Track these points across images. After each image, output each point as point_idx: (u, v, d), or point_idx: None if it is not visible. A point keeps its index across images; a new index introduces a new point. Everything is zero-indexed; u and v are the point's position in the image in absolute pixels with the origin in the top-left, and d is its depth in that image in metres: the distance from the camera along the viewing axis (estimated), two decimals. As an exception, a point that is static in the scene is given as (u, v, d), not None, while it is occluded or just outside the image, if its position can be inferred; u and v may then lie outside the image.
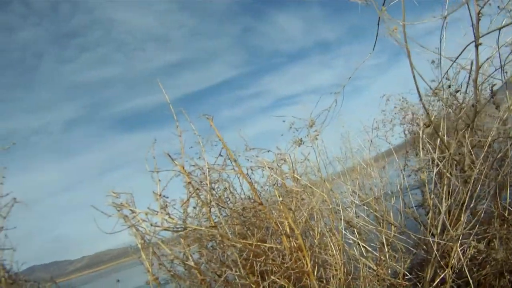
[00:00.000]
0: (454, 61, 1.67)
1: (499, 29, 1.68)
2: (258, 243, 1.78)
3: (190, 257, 1.85)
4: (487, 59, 1.97)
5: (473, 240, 2.01)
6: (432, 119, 1.79)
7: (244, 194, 2.08)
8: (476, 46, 1.70)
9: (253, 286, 1.78)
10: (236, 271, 1.74)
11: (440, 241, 2.11)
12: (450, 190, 2.14)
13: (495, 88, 2.06)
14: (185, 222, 1.80)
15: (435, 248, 2.14)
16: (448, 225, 2.07)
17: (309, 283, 1.91)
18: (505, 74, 1.86)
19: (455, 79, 1.98)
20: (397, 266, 2.34)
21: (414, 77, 1.64)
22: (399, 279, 2.34)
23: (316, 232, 2.00)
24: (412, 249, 2.39)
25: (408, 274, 2.43)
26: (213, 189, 1.88)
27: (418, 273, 2.44)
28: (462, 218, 2.01)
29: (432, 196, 2.15)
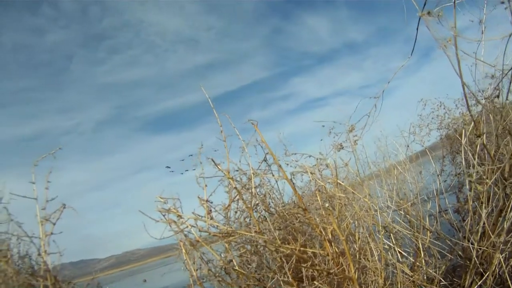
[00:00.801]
0: (508, 72, 1.65)
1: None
2: (303, 249, 1.78)
3: (234, 261, 1.86)
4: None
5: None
6: (480, 128, 1.77)
7: (283, 199, 2.09)
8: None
9: (297, 291, 1.78)
10: (281, 276, 1.74)
11: (480, 247, 2.10)
12: (490, 196, 2.12)
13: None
14: (230, 227, 1.81)
15: (474, 254, 2.13)
16: (489, 232, 2.06)
17: (350, 288, 1.91)
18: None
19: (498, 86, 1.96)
20: (433, 272, 2.33)
21: (463, 88, 1.62)
22: (435, 285, 2.33)
23: (356, 238, 2.00)
24: (447, 254, 2.38)
25: (442, 280, 2.42)
26: (256, 194, 1.89)
27: (453, 279, 2.42)
28: (505, 225, 1.99)
29: (470, 202, 2.13)
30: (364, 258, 2.04)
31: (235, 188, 1.76)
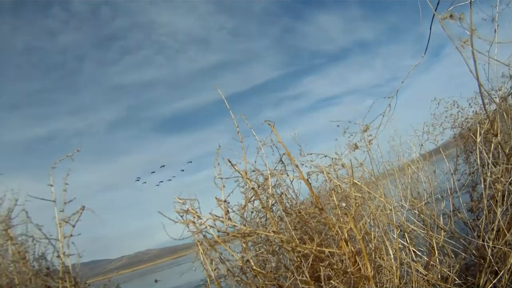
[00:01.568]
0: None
1: None
2: (321, 248, 1.79)
3: (251, 261, 1.87)
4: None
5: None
6: (495, 127, 1.77)
7: (298, 199, 2.10)
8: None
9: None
10: (299, 276, 1.75)
11: (495, 246, 2.09)
12: (505, 195, 2.12)
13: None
14: (249, 227, 1.83)
15: (489, 252, 2.13)
16: (504, 230, 2.05)
17: (367, 287, 1.92)
18: None
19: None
20: (447, 271, 2.33)
21: (480, 88, 1.62)
22: (449, 284, 2.33)
23: (372, 237, 2.01)
24: (461, 253, 2.37)
25: (456, 278, 2.42)
26: (274, 194, 1.90)
27: (467, 278, 2.42)
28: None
29: (485, 200, 2.13)
30: (380, 257, 2.05)
31: (252, 188, 1.77)
